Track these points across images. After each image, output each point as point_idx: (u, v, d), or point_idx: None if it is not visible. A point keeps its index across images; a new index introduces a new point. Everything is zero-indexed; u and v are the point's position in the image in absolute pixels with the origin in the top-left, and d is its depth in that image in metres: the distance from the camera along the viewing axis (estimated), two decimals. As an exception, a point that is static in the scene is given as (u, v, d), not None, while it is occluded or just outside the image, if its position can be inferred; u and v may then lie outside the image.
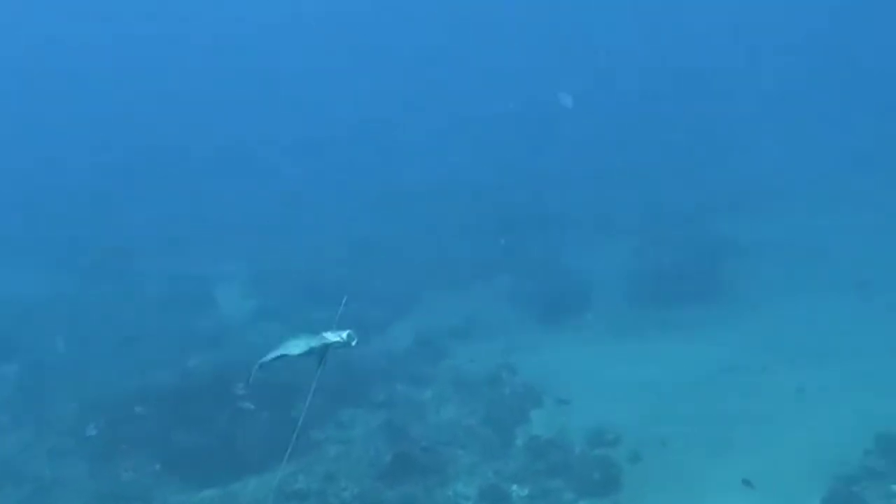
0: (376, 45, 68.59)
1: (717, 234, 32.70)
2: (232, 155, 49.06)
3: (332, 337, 11.14)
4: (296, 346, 11.26)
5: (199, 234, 37.60)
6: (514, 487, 18.80)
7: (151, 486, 19.88)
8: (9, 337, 27.69)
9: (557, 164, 42.59)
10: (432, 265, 32.67)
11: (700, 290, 28.44)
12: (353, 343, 11.16)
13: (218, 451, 19.85)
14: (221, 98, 58.33)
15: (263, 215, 39.68)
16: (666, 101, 50.94)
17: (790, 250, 31.69)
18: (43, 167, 48.77)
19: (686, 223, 33.74)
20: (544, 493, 18.62)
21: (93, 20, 75.34)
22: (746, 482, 17.79)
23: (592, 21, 66.55)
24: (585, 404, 22.08)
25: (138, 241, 36.81)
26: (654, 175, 40.13)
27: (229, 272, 33.10)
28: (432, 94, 57.22)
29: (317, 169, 46.25)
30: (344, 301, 11.70)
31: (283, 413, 20.78)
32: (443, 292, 30.87)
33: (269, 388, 20.90)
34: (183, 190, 43.87)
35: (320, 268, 32.73)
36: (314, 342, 11.17)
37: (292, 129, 52.50)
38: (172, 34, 72.79)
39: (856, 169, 40.06)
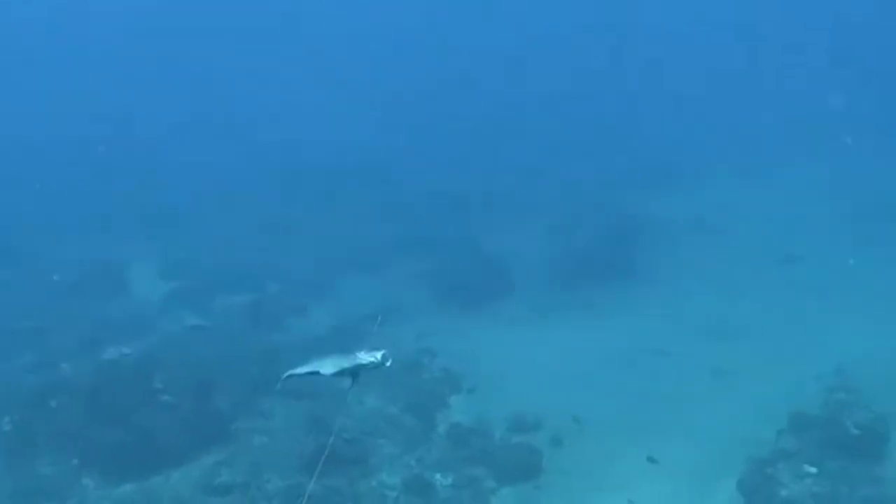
0: (276, 23, 67.55)
1: (632, 213, 33.11)
2: (138, 138, 47.90)
3: (365, 357, 10.95)
4: (328, 365, 11.06)
5: (107, 218, 36.68)
6: (438, 476, 18.97)
7: (70, 481, 19.49)
8: None
9: (472, 146, 42.57)
10: (347, 247, 32.56)
11: (617, 270, 28.93)
12: (388, 364, 10.93)
13: (137, 444, 19.52)
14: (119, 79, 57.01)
15: (174, 199, 38.85)
16: (580, 83, 51.28)
17: (708, 227, 32.47)
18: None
19: (601, 203, 34.12)
20: (468, 481, 18.84)
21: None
22: (651, 459, 18.14)
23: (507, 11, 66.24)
24: (505, 389, 22.31)
25: (43, 225, 35.88)
26: (567, 157, 40.41)
27: (140, 258, 32.40)
28: (343, 71, 56.64)
29: (225, 151, 45.36)
30: (379, 320, 11.57)
31: (203, 405, 20.71)
32: (359, 275, 30.82)
33: (187, 380, 20.91)
34: (89, 173, 42.70)
35: (234, 251, 32.46)
36: (346, 362, 10.98)
37: (196, 110, 51.47)
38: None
39: (775, 142, 41.01)
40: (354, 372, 11.03)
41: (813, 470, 16.72)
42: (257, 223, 35.57)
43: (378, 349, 10.99)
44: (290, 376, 11.26)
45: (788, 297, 26.51)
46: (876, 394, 19.14)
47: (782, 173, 37.90)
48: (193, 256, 32.31)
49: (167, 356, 22.01)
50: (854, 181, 35.73)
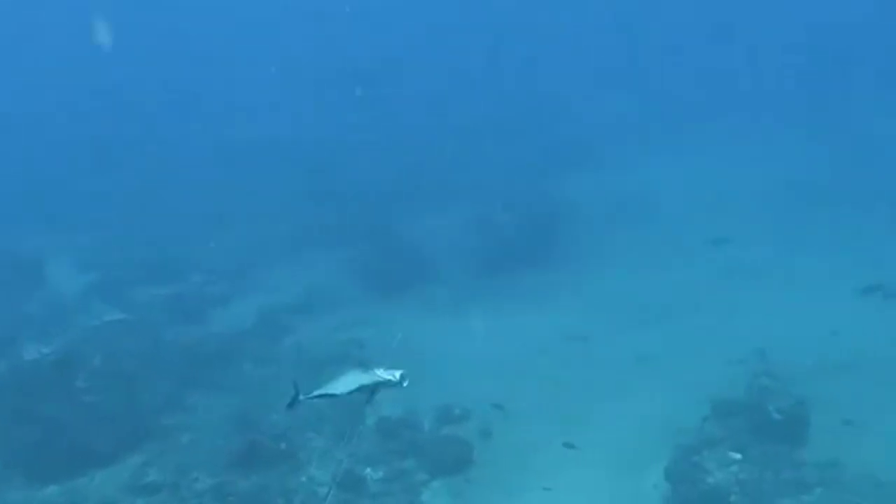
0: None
1: (555, 198, 33.00)
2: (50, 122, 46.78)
3: (383, 375, 10.77)
4: (345, 384, 10.83)
5: (19, 208, 35.80)
6: (369, 470, 18.89)
7: (-9, 483, 19.15)
8: None
9: (395, 134, 42.28)
10: (270, 235, 32.38)
11: (540, 256, 29.08)
12: (405, 384, 10.80)
13: (61, 446, 19.18)
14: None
15: (89, 187, 38.06)
16: (501, 67, 51.30)
17: (632, 210, 32.80)
18: None
19: (524, 189, 34.00)
20: (398, 474, 18.81)
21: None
22: (568, 445, 18.28)
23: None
24: (432, 379, 22.02)
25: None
26: (489, 143, 40.35)
27: (56, 249, 31.71)
28: (266, 56, 55.84)
29: (144, 138, 44.47)
30: (399, 338, 11.37)
31: (128, 403, 20.39)
32: (282, 264, 30.65)
33: (110, 378, 20.56)
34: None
35: (155, 240, 31.97)
36: (365, 380, 10.78)
37: (115, 96, 50.27)
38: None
39: (699, 122, 41.64)
40: (372, 391, 10.83)
41: (738, 456, 17.01)
42: (177, 211, 35.08)
43: (396, 368, 10.87)
44: (310, 397, 10.97)
45: (713, 280, 26.89)
46: (796, 378, 19.53)
47: (708, 154, 38.39)
48: (112, 247, 31.79)
49: (89, 353, 21.51)
50: (782, 162, 36.30)
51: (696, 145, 39.39)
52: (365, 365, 10.94)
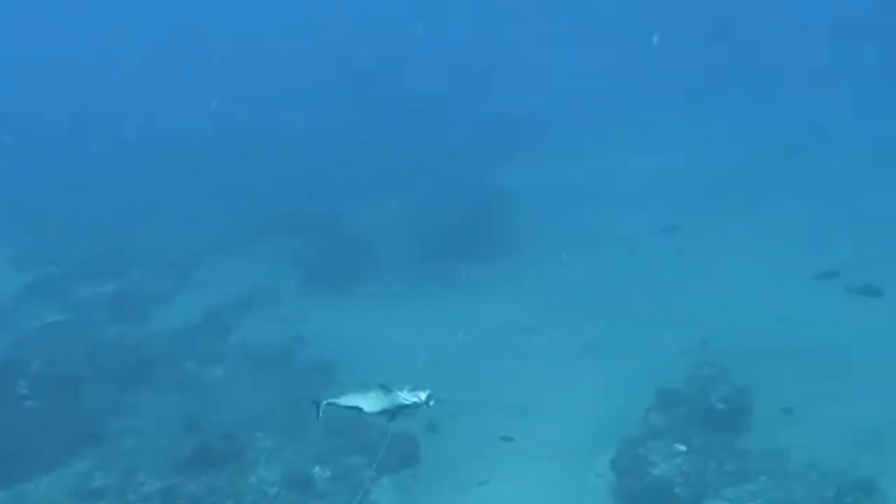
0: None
1: (501, 186, 33.16)
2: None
3: (409, 398, 10.72)
4: (370, 402, 10.80)
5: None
6: (317, 469, 18.82)
7: (-67, 491, 18.81)
8: None
9: (333, 122, 42.03)
10: (208, 229, 32.11)
11: (484, 244, 29.07)
12: (431, 403, 10.71)
13: (4, 452, 18.88)
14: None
15: (20, 182, 37.33)
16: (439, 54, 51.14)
17: (578, 198, 32.89)
18: None
19: (468, 177, 34.07)
20: (346, 472, 18.78)
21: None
22: (506, 438, 18.36)
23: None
24: (377, 373, 21.93)
25: None
26: (431, 130, 40.27)
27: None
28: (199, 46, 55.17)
29: (75, 128, 43.71)
30: (422, 358, 11.27)
31: (71, 407, 20.13)
32: (222, 258, 30.49)
33: (52, 381, 20.27)
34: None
35: (90, 236, 31.58)
36: (389, 402, 10.73)
37: (45, 86, 49.43)
38: None
39: (647, 108, 41.95)
40: (396, 411, 10.79)
41: (682, 448, 17.21)
42: (112, 204, 34.59)
43: (423, 389, 10.84)
44: (330, 404, 10.87)
45: (660, 268, 27.13)
46: (741, 367, 19.83)
47: (656, 140, 38.72)
48: (46, 243, 31.28)
49: (29, 357, 21.20)
50: (728, 152, 36.72)
51: (643, 136, 39.57)
52: (388, 387, 10.82)
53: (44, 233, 32.50)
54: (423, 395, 10.84)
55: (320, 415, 10.90)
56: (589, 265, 27.83)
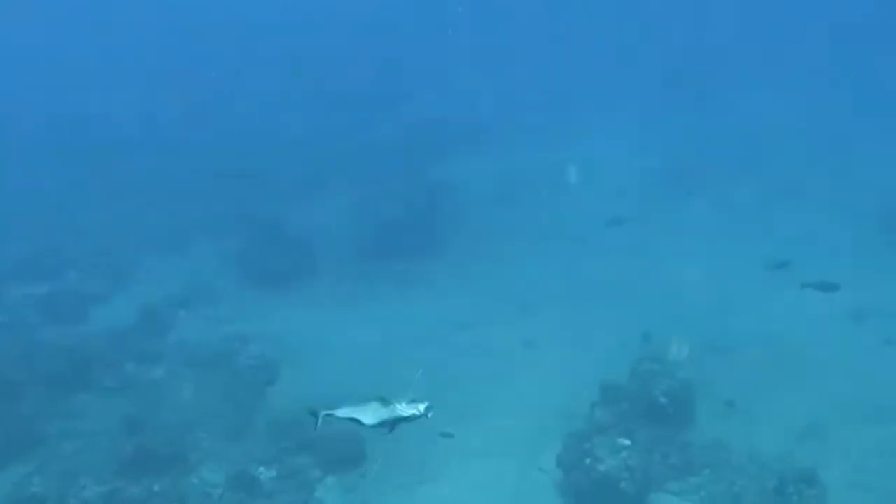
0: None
1: (439, 184, 32.84)
2: None
3: (407, 410, 10.59)
4: (369, 415, 10.63)
5: None
6: (262, 469, 18.69)
7: None
8: None
9: (267, 122, 41.59)
10: (145, 228, 31.64)
11: (424, 242, 29.05)
12: (430, 415, 10.59)
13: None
14: None
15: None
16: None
17: (518, 193, 32.86)
18: None
19: (406, 175, 33.65)
20: (292, 472, 18.67)
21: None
22: (445, 434, 18.36)
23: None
24: (320, 372, 22.14)
25: None
26: (347, 127, 39.77)
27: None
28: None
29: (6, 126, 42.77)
30: (419, 374, 11.08)
31: (7, 412, 19.74)
32: (160, 257, 30.15)
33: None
34: None
35: (23, 236, 30.95)
36: (387, 414, 10.58)
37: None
38: None
39: (586, 99, 42.06)
40: (394, 423, 10.69)
41: (627, 442, 17.33)
42: (45, 203, 33.94)
43: (421, 401, 10.71)
44: (328, 416, 10.73)
45: (604, 263, 27.18)
46: (683, 361, 20.02)
47: (596, 140, 38.75)
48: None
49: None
50: (670, 146, 36.82)
51: (584, 132, 39.67)
52: (387, 399, 10.75)
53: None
54: (421, 408, 10.75)
55: (318, 426, 10.80)
56: (534, 259, 27.95)
